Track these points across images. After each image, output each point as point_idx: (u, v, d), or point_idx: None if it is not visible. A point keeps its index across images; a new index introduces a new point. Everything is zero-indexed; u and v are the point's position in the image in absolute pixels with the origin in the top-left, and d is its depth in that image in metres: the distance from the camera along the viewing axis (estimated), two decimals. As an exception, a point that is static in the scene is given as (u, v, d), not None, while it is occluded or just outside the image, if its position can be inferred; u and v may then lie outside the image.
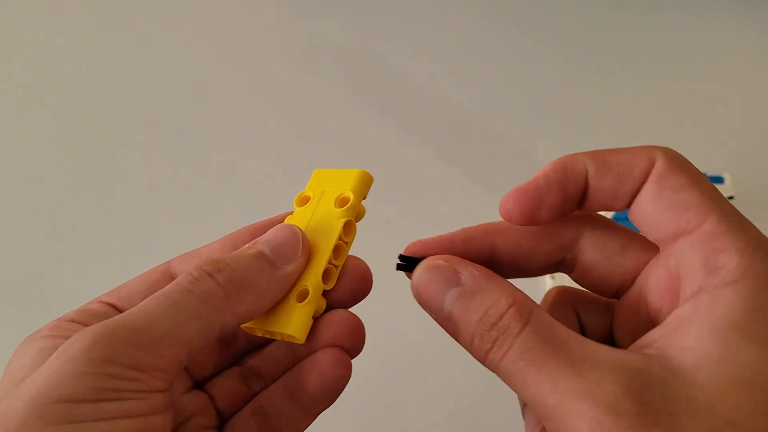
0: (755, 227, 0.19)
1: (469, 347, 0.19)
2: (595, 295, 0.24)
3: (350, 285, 0.23)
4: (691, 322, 0.17)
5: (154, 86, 0.72)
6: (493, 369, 0.19)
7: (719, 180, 0.53)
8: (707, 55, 0.78)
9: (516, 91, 0.74)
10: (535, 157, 0.67)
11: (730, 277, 0.17)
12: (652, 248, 0.21)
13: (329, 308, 0.23)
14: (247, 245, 0.22)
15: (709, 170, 0.56)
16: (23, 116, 0.70)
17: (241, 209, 0.63)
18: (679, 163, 0.20)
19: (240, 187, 0.64)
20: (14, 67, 0.73)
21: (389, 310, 0.51)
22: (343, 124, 0.70)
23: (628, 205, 0.21)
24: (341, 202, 0.24)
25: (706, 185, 0.19)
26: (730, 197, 0.53)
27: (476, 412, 0.51)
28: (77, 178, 0.64)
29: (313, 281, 0.22)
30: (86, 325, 0.20)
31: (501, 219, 0.22)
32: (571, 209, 0.22)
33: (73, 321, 0.21)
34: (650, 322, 0.20)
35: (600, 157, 0.21)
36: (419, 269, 0.21)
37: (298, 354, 0.23)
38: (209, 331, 0.19)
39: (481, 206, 0.62)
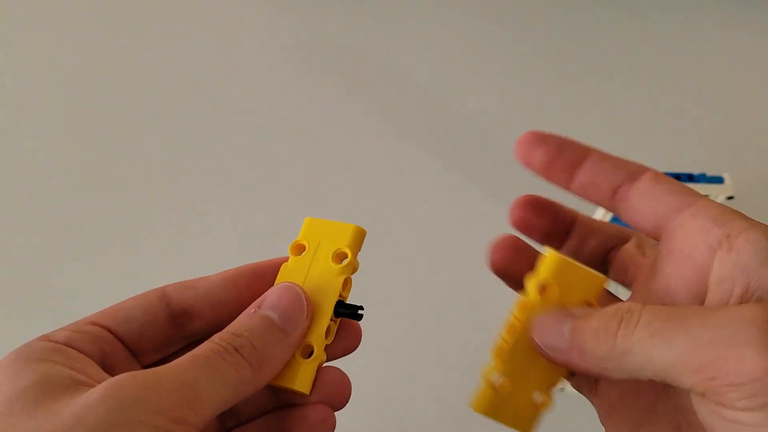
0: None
1: (595, 346, 0.20)
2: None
3: (344, 340, 0.25)
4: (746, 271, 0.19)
5: (153, 87, 0.72)
6: (622, 353, 0.20)
7: (719, 180, 0.53)
8: (707, 56, 0.78)
9: (516, 93, 0.74)
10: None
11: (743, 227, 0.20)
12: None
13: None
14: (251, 309, 0.23)
15: (709, 170, 0.56)
16: (24, 118, 0.70)
17: (235, 214, 0.63)
18: (662, 176, 0.22)
19: (236, 192, 0.64)
20: (16, 68, 0.73)
21: (390, 312, 0.51)
22: (340, 125, 0.70)
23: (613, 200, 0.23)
24: (339, 257, 0.25)
25: (686, 188, 0.22)
26: (730, 197, 0.53)
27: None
28: (76, 181, 0.65)
29: (317, 339, 0.23)
30: (84, 351, 0.21)
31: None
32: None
33: (69, 344, 0.20)
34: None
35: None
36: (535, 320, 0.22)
37: (281, 398, 0.24)
38: (234, 399, 0.20)
39: (480, 207, 0.62)
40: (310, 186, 0.65)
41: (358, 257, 0.25)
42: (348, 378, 0.24)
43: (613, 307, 0.21)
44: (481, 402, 0.23)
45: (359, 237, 0.25)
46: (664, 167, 0.61)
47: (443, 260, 0.59)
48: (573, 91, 0.74)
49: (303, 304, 0.23)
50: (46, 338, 0.20)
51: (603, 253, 0.25)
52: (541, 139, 0.23)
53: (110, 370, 0.21)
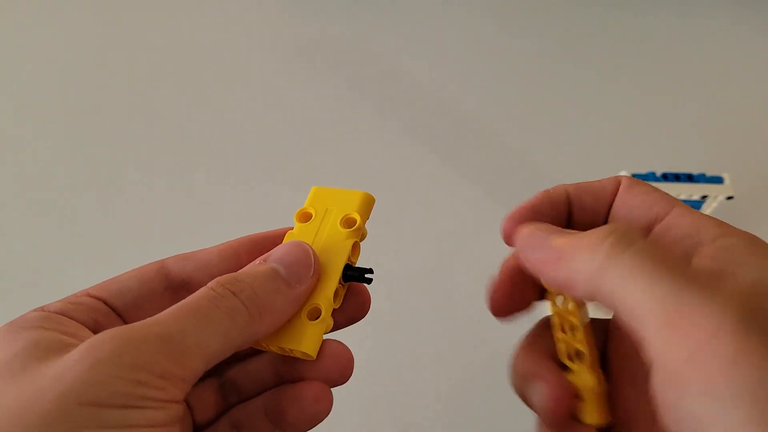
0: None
1: (576, 253, 0.18)
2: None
3: (352, 306, 0.24)
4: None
5: (152, 87, 0.72)
6: (601, 269, 0.17)
7: (719, 180, 0.53)
8: (706, 56, 0.78)
9: (516, 93, 0.74)
10: (534, 157, 0.67)
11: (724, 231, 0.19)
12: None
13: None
14: (257, 261, 0.22)
15: (709, 170, 0.56)
16: (25, 118, 0.70)
17: (238, 208, 0.63)
18: (638, 181, 0.23)
19: (238, 188, 0.65)
20: (18, 70, 0.73)
21: (391, 306, 0.51)
22: (342, 125, 0.70)
23: (605, 220, 0.23)
24: (347, 222, 0.24)
25: (663, 192, 0.22)
26: (730, 197, 0.53)
27: (471, 408, 0.51)
28: (77, 177, 0.65)
29: (324, 301, 0.22)
30: (78, 320, 0.20)
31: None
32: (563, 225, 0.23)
33: (63, 314, 0.20)
34: None
35: (577, 185, 0.23)
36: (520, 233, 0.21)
37: (281, 374, 0.23)
38: (229, 348, 0.20)
39: (480, 206, 0.62)
40: (309, 181, 0.65)
41: (366, 227, 0.24)
42: (350, 351, 0.23)
43: (607, 226, 0.19)
44: None
45: (368, 203, 0.25)
46: (664, 167, 0.61)
47: (442, 257, 0.59)
48: (573, 90, 0.74)
49: (310, 260, 0.22)
50: (40, 309, 0.20)
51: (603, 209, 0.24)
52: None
53: None
